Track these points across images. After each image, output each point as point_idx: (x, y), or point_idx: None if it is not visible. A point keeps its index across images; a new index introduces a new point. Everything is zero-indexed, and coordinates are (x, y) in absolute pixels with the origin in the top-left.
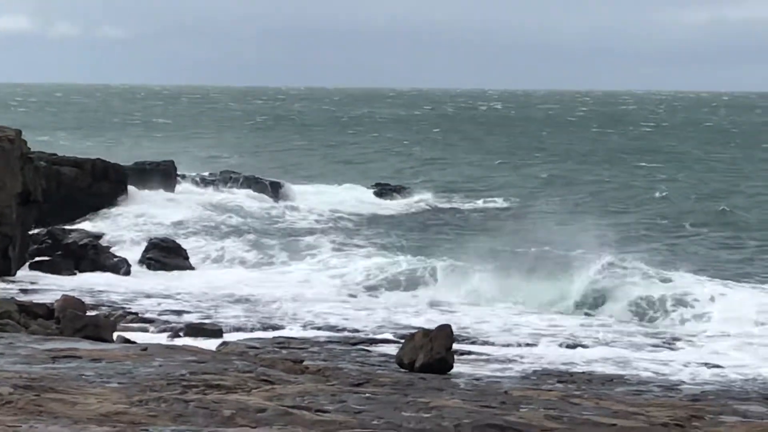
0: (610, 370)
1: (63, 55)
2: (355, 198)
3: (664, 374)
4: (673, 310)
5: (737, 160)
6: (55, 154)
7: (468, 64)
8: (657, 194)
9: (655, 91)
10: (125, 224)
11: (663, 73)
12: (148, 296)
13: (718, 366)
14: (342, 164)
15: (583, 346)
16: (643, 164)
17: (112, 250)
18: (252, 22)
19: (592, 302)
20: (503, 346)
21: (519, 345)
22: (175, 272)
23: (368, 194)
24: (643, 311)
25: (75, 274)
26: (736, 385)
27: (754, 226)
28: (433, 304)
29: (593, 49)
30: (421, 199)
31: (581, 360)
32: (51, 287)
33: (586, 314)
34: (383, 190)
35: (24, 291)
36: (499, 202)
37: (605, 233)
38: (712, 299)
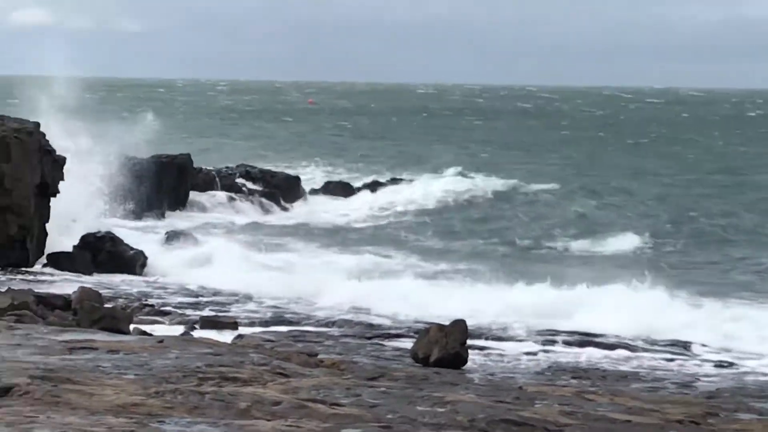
0: (624, 366)
1: (78, 48)
2: None
3: (679, 371)
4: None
5: None
6: None
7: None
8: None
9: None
10: None
11: (681, 69)
12: (164, 288)
13: (733, 363)
14: None
15: (598, 343)
16: None
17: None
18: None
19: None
20: (518, 341)
21: (534, 341)
22: (192, 262)
23: None
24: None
25: (92, 268)
26: (751, 383)
27: None
28: None
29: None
30: None
31: (596, 356)
32: (68, 279)
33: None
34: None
35: (41, 282)
36: None
37: None
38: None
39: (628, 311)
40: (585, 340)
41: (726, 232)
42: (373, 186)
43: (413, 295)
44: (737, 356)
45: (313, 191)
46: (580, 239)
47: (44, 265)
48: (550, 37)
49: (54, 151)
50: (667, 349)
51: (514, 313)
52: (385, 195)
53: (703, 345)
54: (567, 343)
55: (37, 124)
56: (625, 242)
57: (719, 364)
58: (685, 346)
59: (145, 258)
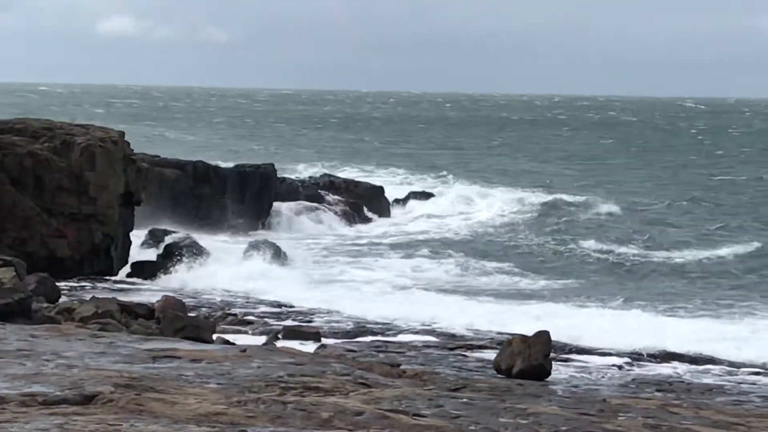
0: (710, 379)
1: (165, 58)
2: None
3: (765, 384)
4: None
5: None
6: (157, 156)
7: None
8: None
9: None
10: None
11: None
12: (248, 297)
13: None
14: None
15: (683, 355)
16: None
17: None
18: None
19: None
20: (601, 354)
21: (619, 354)
22: (275, 273)
23: None
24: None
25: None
26: None
27: None
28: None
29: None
30: None
31: (681, 369)
32: (152, 287)
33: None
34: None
35: (125, 291)
36: None
37: None
38: None
39: None
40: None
41: None
42: (457, 198)
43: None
44: None
45: (397, 201)
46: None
47: (128, 274)
48: (629, 49)
49: (138, 160)
50: None
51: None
52: (469, 205)
53: None
54: (651, 356)
55: (122, 133)
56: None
57: None
58: None
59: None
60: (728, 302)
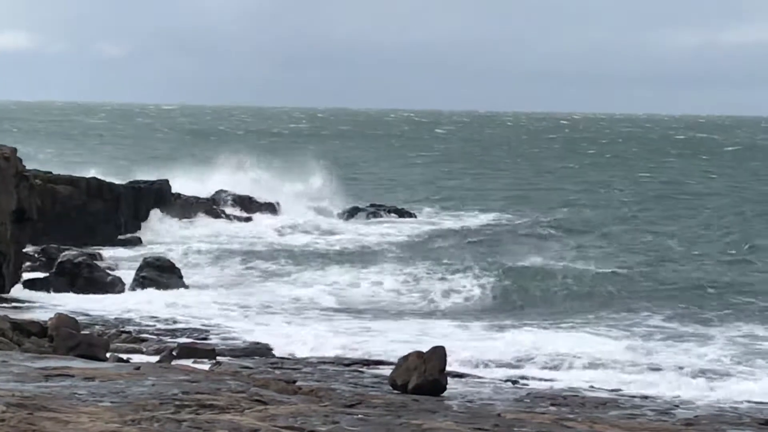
0: (603, 393)
1: (60, 73)
2: None
3: (657, 397)
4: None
5: None
6: (50, 172)
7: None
8: None
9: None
10: None
11: (655, 96)
12: (142, 315)
13: (712, 390)
14: None
15: (577, 368)
16: None
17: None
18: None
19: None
20: (497, 367)
21: (513, 367)
22: (170, 291)
23: None
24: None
25: (69, 292)
26: (730, 409)
27: None
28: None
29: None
30: None
31: (574, 382)
32: (44, 305)
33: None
34: None
35: (17, 309)
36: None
37: None
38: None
39: None
40: (560, 363)
41: None
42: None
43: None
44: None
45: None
46: None
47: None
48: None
49: (30, 176)
50: None
51: None
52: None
53: None
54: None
55: (14, 149)
56: None
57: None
58: None
59: (123, 284)
60: (615, 315)
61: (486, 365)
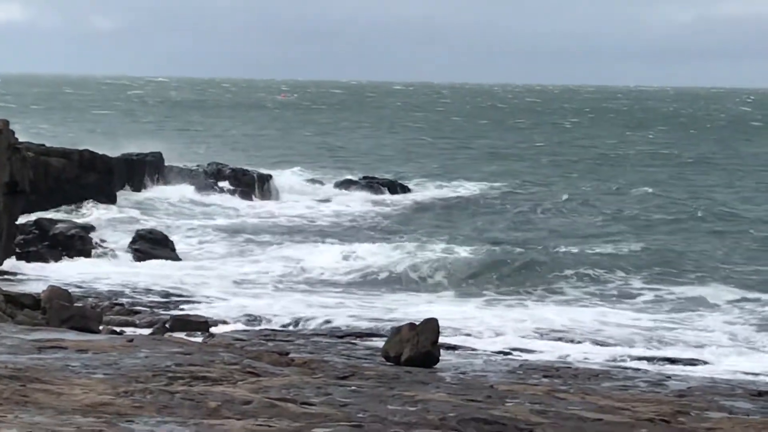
0: (595, 365)
1: (53, 46)
2: None
3: (650, 370)
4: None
5: None
6: (43, 145)
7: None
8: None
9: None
10: None
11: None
12: (135, 287)
13: (705, 362)
14: None
15: (569, 340)
16: None
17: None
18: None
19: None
20: (490, 338)
21: (506, 338)
22: (162, 262)
23: None
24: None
25: (62, 263)
26: (722, 382)
27: None
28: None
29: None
30: None
31: (568, 354)
32: (38, 277)
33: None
34: None
35: (10, 281)
36: None
37: None
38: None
39: None
40: (553, 335)
41: None
42: None
43: None
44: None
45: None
46: None
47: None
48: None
49: (23, 148)
50: None
51: None
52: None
53: None
54: (536, 340)
55: (6, 122)
56: None
57: (690, 362)
58: None
59: (116, 256)
60: (608, 287)
61: (478, 337)
